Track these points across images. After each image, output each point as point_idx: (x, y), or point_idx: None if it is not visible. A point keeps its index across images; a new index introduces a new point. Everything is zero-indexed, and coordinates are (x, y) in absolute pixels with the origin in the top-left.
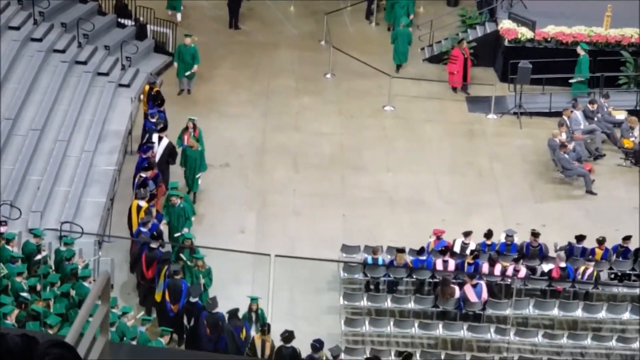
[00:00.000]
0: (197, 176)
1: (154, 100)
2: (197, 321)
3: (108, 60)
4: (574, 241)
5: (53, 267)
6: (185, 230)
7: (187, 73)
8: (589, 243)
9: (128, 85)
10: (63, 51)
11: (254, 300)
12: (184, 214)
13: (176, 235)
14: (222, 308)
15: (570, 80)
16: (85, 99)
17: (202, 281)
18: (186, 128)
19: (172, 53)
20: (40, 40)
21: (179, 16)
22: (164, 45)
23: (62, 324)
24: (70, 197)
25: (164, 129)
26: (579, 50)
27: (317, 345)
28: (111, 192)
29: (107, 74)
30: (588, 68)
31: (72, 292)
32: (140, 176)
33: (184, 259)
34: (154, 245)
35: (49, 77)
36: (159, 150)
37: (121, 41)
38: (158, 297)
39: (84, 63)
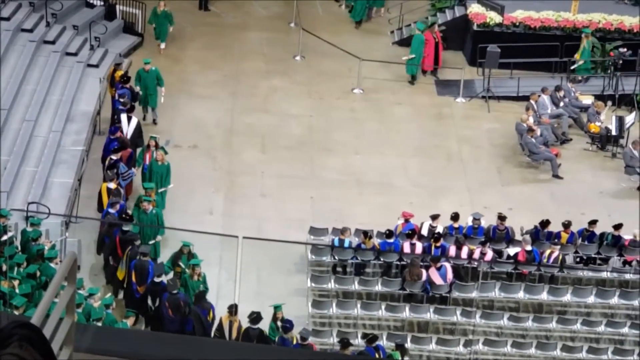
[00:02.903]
0: (161, 190)
1: (119, 79)
2: (161, 302)
3: (76, 40)
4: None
5: (19, 248)
6: (159, 238)
7: (153, 107)
8: (555, 227)
9: (97, 66)
10: (31, 30)
11: (278, 308)
12: (156, 220)
13: (150, 242)
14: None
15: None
16: (53, 79)
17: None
18: (147, 146)
19: (141, 33)
20: (7, 19)
21: (162, 45)
22: (133, 25)
23: (27, 305)
24: (37, 178)
25: (132, 109)
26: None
27: (288, 325)
28: (79, 173)
29: (75, 54)
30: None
31: (39, 273)
32: (111, 158)
33: (182, 266)
34: (126, 227)
35: (16, 57)
36: (129, 130)
37: (90, 21)
38: (120, 275)
39: (52, 43)
